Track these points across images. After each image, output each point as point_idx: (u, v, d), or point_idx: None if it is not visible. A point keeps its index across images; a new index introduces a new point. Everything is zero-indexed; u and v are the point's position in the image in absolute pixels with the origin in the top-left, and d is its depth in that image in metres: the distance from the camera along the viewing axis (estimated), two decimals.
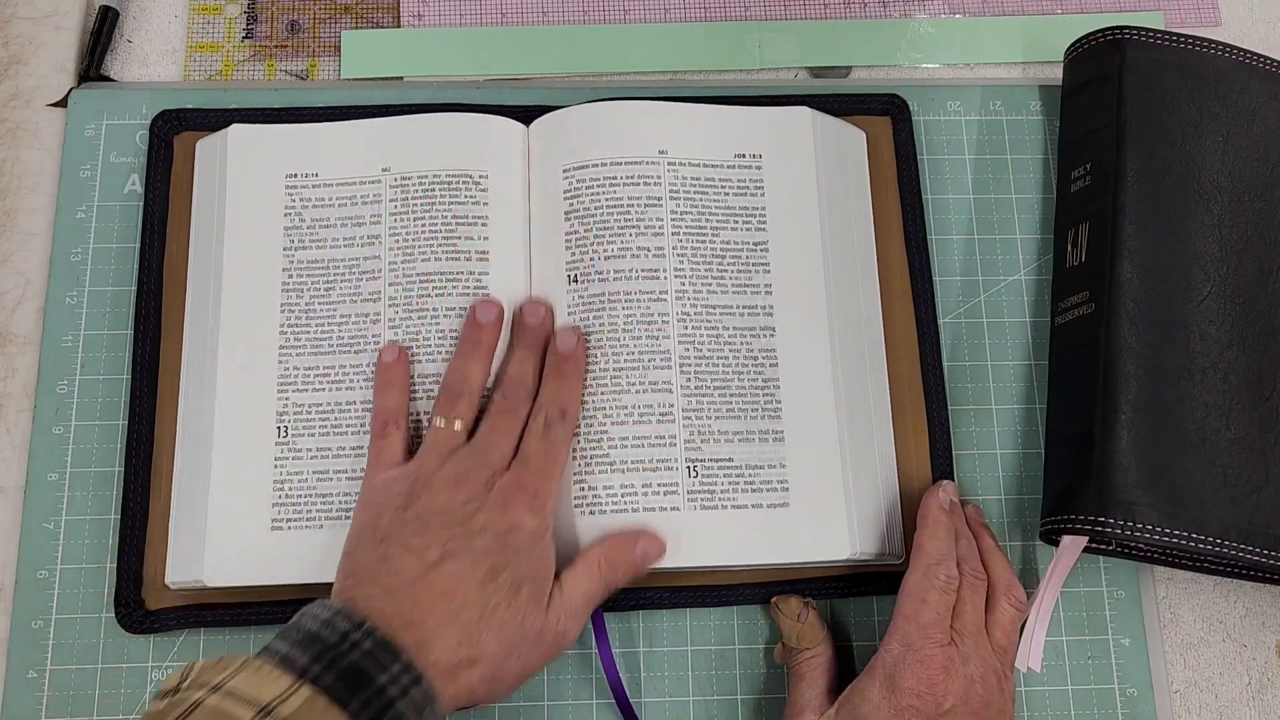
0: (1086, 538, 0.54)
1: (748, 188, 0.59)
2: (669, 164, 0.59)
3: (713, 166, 0.59)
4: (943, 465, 0.59)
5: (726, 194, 0.59)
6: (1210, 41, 0.62)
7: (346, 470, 0.55)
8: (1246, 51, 0.62)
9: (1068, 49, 0.64)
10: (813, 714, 0.52)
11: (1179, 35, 0.61)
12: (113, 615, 0.55)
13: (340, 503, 0.54)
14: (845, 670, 0.56)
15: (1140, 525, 0.53)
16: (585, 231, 0.57)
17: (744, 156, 0.60)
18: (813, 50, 0.67)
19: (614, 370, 0.55)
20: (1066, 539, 0.55)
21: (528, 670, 0.49)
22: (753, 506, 0.55)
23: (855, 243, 0.61)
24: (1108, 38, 0.62)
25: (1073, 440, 0.57)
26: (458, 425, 0.53)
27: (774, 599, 0.56)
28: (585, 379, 0.55)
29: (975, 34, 0.68)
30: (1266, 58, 0.62)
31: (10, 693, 0.54)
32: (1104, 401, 0.55)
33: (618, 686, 0.54)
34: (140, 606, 0.55)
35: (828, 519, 0.55)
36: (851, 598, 0.58)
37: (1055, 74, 0.66)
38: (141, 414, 0.57)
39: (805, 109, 0.61)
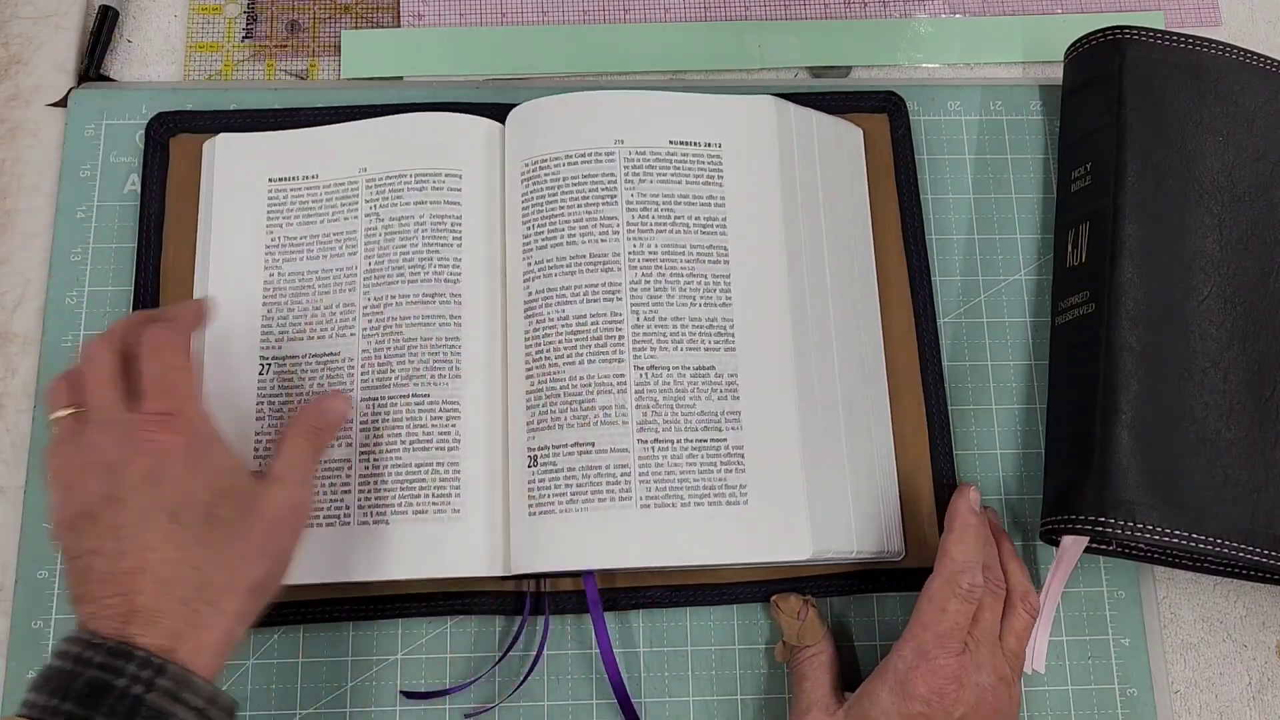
0: (1087, 538, 0.54)
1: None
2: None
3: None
4: (943, 465, 0.59)
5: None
6: (1210, 41, 0.62)
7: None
8: (1246, 51, 0.62)
9: (1068, 49, 0.64)
10: (820, 712, 0.52)
11: (1179, 35, 0.61)
12: None
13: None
14: (847, 668, 0.56)
15: (1140, 525, 0.53)
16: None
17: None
18: (813, 50, 0.67)
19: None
20: (1067, 539, 0.55)
21: (286, 553, 0.48)
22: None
23: (852, 241, 0.60)
24: (1108, 38, 0.62)
25: (1073, 440, 0.57)
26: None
27: (774, 597, 0.56)
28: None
29: (975, 34, 0.68)
30: (1266, 58, 0.62)
31: (10, 693, 0.54)
32: (1104, 401, 0.55)
33: (619, 685, 0.54)
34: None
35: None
36: (852, 596, 0.58)
37: (1055, 74, 0.66)
38: None
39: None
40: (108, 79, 0.65)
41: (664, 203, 0.57)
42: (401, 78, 0.65)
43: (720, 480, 0.54)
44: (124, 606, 0.43)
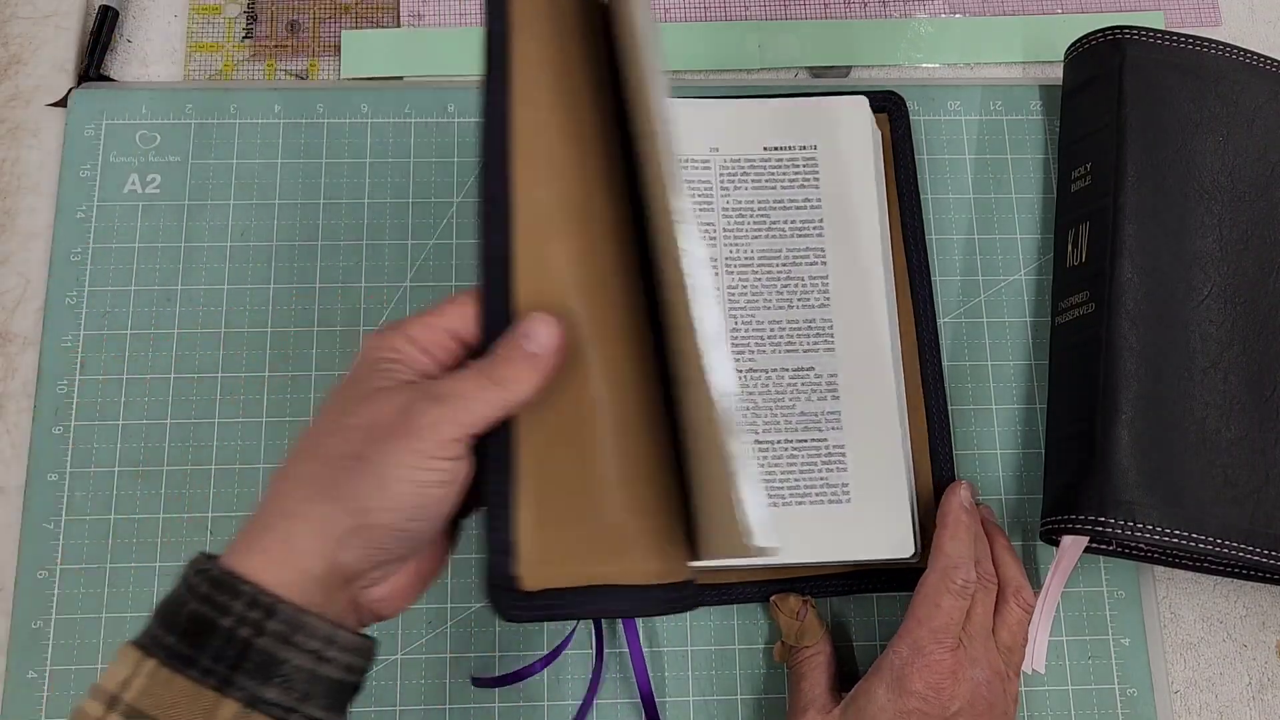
0: (1087, 538, 0.54)
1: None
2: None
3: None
4: (943, 465, 0.59)
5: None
6: (1210, 41, 0.62)
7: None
8: (1246, 51, 0.62)
9: (1068, 49, 0.64)
10: (817, 712, 0.52)
11: (1179, 35, 0.61)
12: (112, 615, 0.55)
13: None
14: (846, 667, 0.56)
15: (1141, 525, 0.53)
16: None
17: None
18: (813, 50, 0.67)
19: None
20: (1067, 539, 0.55)
21: (392, 468, 0.38)
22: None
23: (887, 238, 0.61)
24: (1108, 37, 0.62)
25: (1073, 440, 0.57)
26: None
27: (773, 597, 0.56)
28: None
29: (975, 34, 0.68)
30: (1266, 58, 0.62)
31: (10, 693, 0.54)
32: (1104, 401, 0.55)
33: (644, 685, 0.54)
34: (515, 585, 0.41)
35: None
36: (851, 596, 0.58)
37: (1055, 74, 0.66)
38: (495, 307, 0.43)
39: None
40: (108, 79, 0.65)
41: (759, 208, 0.59)
42: (401, 78, 0.65)
43: (822, 479, 0.55)
44: (258, 521, 0.38)
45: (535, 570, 0.41)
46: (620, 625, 0.56)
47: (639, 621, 0.56)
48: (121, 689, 0.35)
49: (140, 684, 0.35)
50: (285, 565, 0.37)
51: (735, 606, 0.57)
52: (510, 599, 0.40)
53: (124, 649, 0.37)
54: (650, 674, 0.56)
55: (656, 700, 0.55)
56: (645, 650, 0.56)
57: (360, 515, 0.38)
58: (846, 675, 0.54)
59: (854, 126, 0.61)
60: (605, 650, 0.55)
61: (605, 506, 0.42)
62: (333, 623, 0.38)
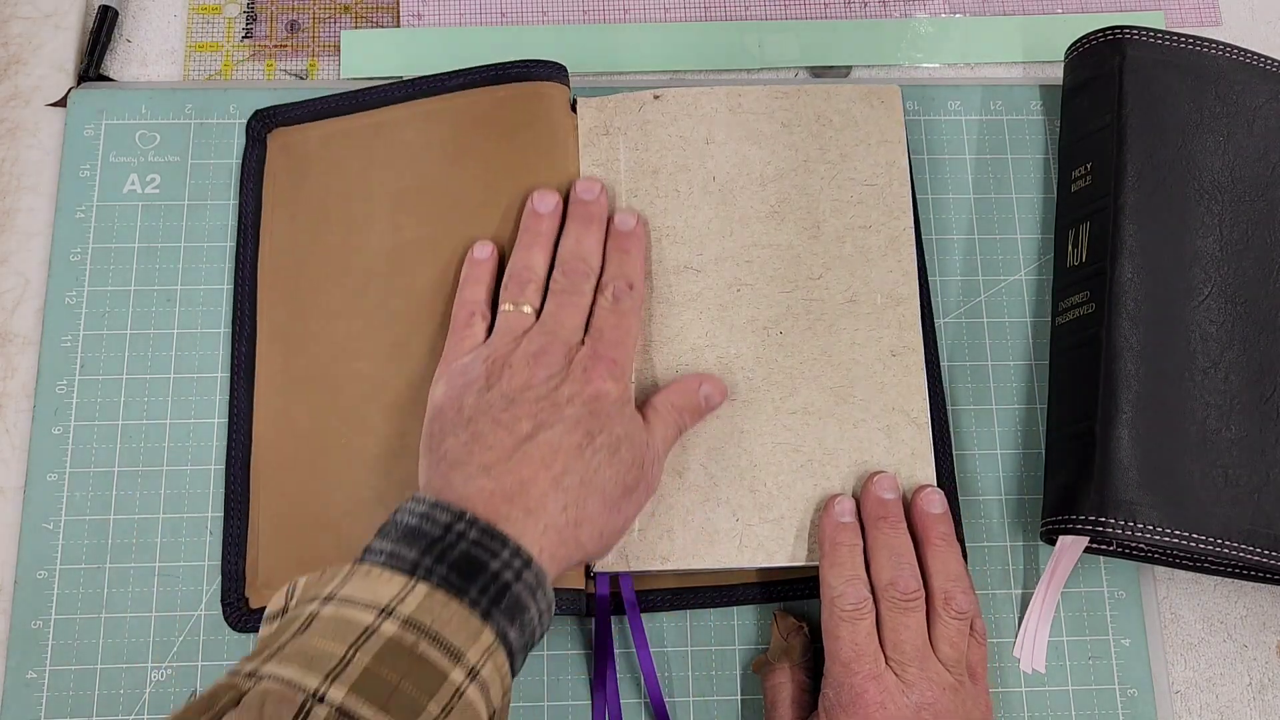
0: (1087, 538, 0.54)
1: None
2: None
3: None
4: (943, 465, 0.59)
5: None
6: (1210, 41, 0.62)
7: None
8: (1246, 51, 0.62)
9: (1068, 49, 0.64)
10: None
11: (1179, 35, 0.61)
12: (112, 615, 0.55)
13: None
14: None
15: (1141, 525, 0.53)
16: None
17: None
18: (813, 50, 0.67)
19: None
20: (1067, 539, 0.55)
21: (627, 522, 0.51)
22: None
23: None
24: (1108, 37, 0.62)
25: (1073, 440, 0.57)
26: (526, 309, 0.54)
27: (776, 611, 0.56)
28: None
29: (975, 34, 0.68)
30: (1266, 57, 0.62)
31: (10, 693, 0.54)
32: (1105, 401, 0.55)
33: (654, 689, 0.54)
34: (245, 605, 0.55)
35: None
36: None
37: (1055, 74, 0.66)
38: (240, 413, 0.58)
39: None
40: (107, 79, 0.65)
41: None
42: (401, 78, 0.65)
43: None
44: (514, 490, 0.46)
45: (260, 593, 0.55)
46: (628, 628, 0.56)
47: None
48: (394, 603, 0.40)
49: (414, 602, 0.41)
50: (563, 545, 0.46)
51: (735, 607, 0.57)
52: (242, 613, 0.55)
53: (375, 570, 0.42)
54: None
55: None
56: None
57: (611, 541, 0.50)
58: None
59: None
60: (615, 650, 0.55)
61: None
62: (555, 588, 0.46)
